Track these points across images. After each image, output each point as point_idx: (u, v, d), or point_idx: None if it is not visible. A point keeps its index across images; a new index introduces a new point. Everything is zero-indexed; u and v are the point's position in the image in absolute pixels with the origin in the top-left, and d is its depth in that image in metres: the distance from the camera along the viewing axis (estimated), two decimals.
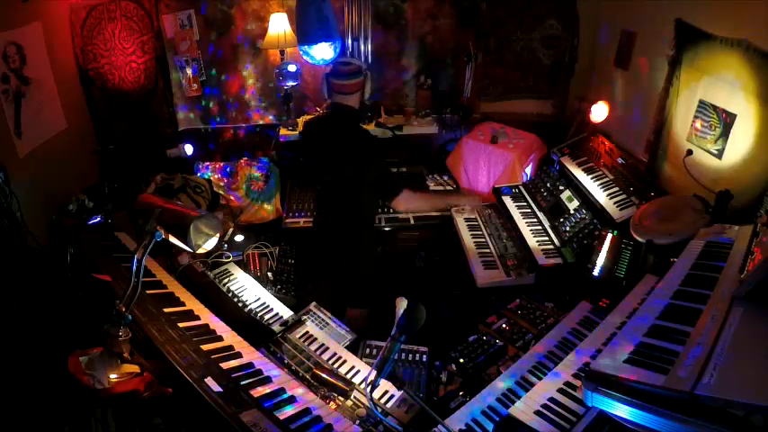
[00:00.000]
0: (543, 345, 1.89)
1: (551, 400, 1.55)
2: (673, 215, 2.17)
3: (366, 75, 2.60)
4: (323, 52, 3.38)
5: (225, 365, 1.64)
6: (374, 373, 1.45)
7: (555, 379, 1.64)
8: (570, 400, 1.54)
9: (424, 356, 2.04)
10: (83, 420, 1.55)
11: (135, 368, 1.62)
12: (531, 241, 2.68)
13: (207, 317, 1.99)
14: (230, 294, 2.36)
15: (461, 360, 1.92)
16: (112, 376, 1.57)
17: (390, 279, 3.07)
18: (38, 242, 2.45)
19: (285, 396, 1.60)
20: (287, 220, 3.21)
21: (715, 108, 2.25)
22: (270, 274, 2.70)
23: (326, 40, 3.26)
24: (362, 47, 3.59)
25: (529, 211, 2.95)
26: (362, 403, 1.73)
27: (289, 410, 1.53)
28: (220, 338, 1.85)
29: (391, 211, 3.26)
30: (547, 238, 2.69)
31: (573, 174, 2.90)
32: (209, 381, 1.49)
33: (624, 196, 2.57)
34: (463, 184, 3.53)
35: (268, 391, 1.59)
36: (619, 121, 3.10)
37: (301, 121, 3.64)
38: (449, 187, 3.54)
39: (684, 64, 2.49)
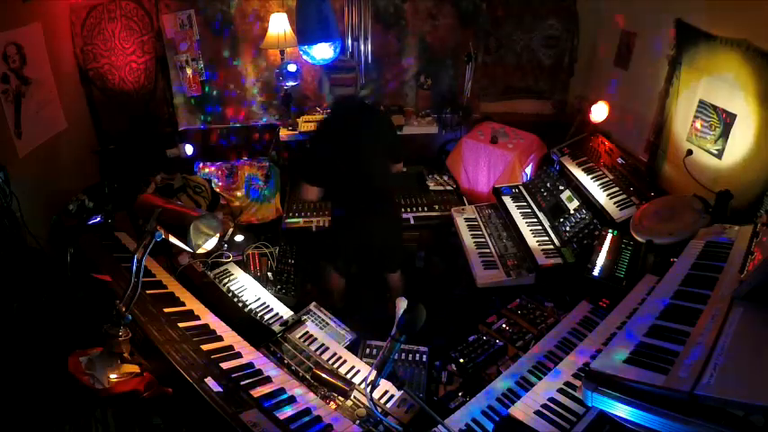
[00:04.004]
0: (543, 345, 1.89)
1: (551, 400, 1.55)
2: (673, 215, 2.17)
3: (357, 71, 2.90)
4: (323, 52, 3.37)
5: (225, 365, 1.64)
6: (374, 373, 1.45)
7: (555, 379, 1.64)
8: (570, 400, 1.54)
9: (424, 356, 2.04)
10: (83, 420, 1.55)
11: (135, 368, 1.62)
12: (531, 241, 2.68)
13: (207, 317, 1.99)
14: (230, 294, 2.36)
15: (461, 360, 1.92)
16: (112, 376, 1.56)
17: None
18: (38, 242, 2.45)
19: (285, 396, 1.60)
20: (287, 220, 3.21)
21: (715, 108, 2.25)
22: (270, 274, 2.70)
23: (326, 40, 3.25)
24: (362, 47, 3.59)
25: (529, 211, 2.95)
26: (362, 403, 1.73)
27: (289, 410, 1.53)
28: (220, 338, 1.85)
29: None
30: (547, 238, 2.69)
31: (573, 174, 2.90)
32: (209, 381, 1.49)
33: (624, 196, 2.57)
34: (463, 185, 3.53)
35: (268, 391, 1.59)
36: (619, 121, 3.10)
37: (301, 120, 3.64)
38: (449, 187, 3.54)
39: (684, 64, 2.49)
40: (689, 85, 2.46)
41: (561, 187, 2.93)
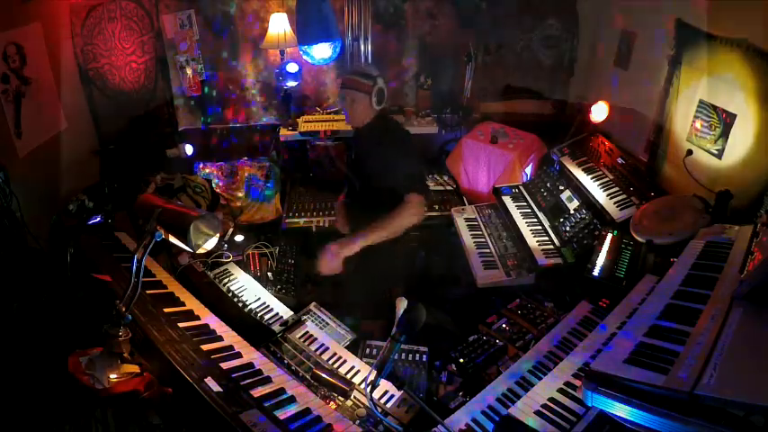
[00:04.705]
0: (543, 345, 1.89)
1: (551, 400, 1.56)
2: (673, 215, 2.17)
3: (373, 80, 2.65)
4: (323, 52, 3.38)
5: (225, 365, 1.64)
6: (374, 373, 1.46)
7: (555, 379, 1.64)
8: (570, 400, 1.54)
9: (424, 356, 2.04)
10: (83, 420, 1.55)
11: (135, 368, 1.62)
12: (531, 241, 2.68)
13: (207, 317, 1.99)
14: (230, 294, 2.36)
15: (461, 360, 1.92)
16: (112, 376, 1.56)
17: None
18: (38, 242, 2.45)
19: (285, 396, 1.60)
20: (287, 220, 3.21)
21: (715, 108, 2.25)
22: (270, 274, 2.70)
23: (326, 39, 3.26)
24: (362, 47, 3.59)
25: (529, 211, 2.95)
26: (362, 403, 1.72)
27: (289, 410, 1.52)
28: (220, 338, 1.85)
29: None
30: (547, 238, 2.69)
31: (573, 174, 2.90)
32: (209, 381, 1.49)
33: (624, 196, 2.57)
34: (463, 185, 3.53)
35: (268, 391, 1.59)
36: (619, 121, 3.10)
37: (301, 121, 3.64)
38: (449, 187, 3.54)
39: (684, 64, 2.49)
40: (689, 84, 2.46)
41: (561, 187, 2.93)
